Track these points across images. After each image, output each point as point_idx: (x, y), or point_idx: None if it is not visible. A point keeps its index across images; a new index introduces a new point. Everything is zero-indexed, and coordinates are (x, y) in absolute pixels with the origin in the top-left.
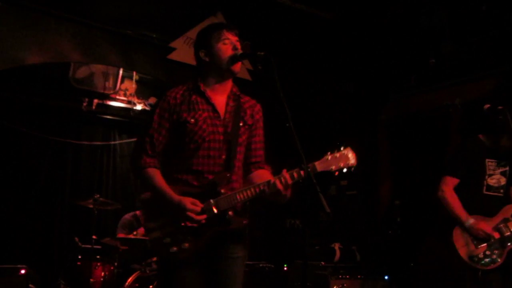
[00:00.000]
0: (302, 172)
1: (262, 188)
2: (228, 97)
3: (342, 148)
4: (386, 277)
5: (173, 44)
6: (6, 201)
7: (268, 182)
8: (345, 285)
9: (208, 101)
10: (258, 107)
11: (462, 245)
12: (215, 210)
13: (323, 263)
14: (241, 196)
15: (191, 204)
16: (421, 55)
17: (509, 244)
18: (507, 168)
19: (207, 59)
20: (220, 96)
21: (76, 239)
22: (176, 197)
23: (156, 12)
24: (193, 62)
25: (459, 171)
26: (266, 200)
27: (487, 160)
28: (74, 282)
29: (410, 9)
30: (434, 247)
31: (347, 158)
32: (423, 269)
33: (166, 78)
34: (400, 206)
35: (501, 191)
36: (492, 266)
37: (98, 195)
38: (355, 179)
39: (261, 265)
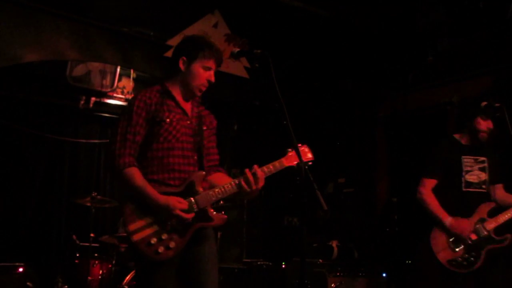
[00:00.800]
0: (271, 167)
1: (235, 184)
2: (192, 104)
3: (300, 145)
4: (384, 275)
5: (170, 42)
6: (3, 199)
7: (244, 176)
8: (342, 282)
9: (178, 105)
10: (213, 117)
11: (440, 249)
12: (196, 208)
13: (321, 260)
14: (217, 193)
15: (178, 203)
16: (419, 53)
17: (486, 245)
18: (486, 164)
19: (182, 68)
20: (186, 102)
21: (74, 237)
22: (162, 197)
23: (153, 10)
24: None
25: (435, 172)
26: (237, 197)
27: (463, 157)
28: (72, 280)
29: (408, 7)
30: (428, 242)
31: (305, 154)
32: (421, 266)
33: (164, 76)
34: (397, 203)
35: (483, 186)
36: (471, 268)
37: (95, 193)
38: (353, 176)
39: (259, 263)
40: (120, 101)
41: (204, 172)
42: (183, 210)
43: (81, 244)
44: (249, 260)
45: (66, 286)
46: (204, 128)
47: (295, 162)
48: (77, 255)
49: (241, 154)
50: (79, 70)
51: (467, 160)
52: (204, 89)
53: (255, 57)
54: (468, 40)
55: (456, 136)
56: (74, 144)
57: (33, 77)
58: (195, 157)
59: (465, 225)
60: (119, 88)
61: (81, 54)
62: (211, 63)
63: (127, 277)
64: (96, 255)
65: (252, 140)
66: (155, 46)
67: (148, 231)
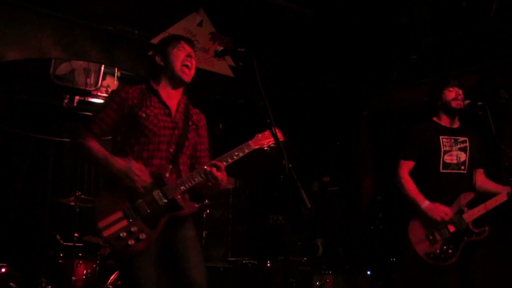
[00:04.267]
0: (235, 154)
1: (199, 174)
2: (180, 100)
3: (267, 128)
4: (368, 272)
5: (155, 41)
6: None
7: (203, 169)
8: (327, 280)
9: (161, 100)
10: (202, 116)
11: (418, 241)
12: (164, 199)
13: (306, 258)
14: (185, 181)
15: (138, 170)
16: (402, 52)
17: (465, 237)
18: (467, 144)
19: (161, 64)
20: (172, 99)
21: (58, 236)
22: (122, 161)
23: (138, 8)
24: None
25: (412, 154)
26: (208, 188)
27: (441, 137)
28: (56, 280)
29: (392, 6)
30: (406, 234)
31: (269, 137)
32: (405, 264)
33: (148, 75)
34: (382, 201)
35: (462, 167)
36: (449, 261)
37: (79, 192)
38: (338, 175)
39: (244, 261)
40: (105, 100)
41: (171, 166)
42: (141, 173)
43: (65, 243)
44: (234, 259)
45: (49, 286)
46: (190, 123)
47: (265, 144)
48: (61, 255)
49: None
50: (63, 68)
51: (446, 140)
52: (187, 70)
53: (239, 55)
54: (451, 39)
55: (435, 118)
56: (58, 143)
57: (17, 75)
58: (171, 150)
59: (441, 209)
60: (103, 86)
61: (65, 53)
62: (182, 45)
63: (112, 277)
64: (80, 254)
65: (237, 138)
66: (140, 44)
67: (118, 226)
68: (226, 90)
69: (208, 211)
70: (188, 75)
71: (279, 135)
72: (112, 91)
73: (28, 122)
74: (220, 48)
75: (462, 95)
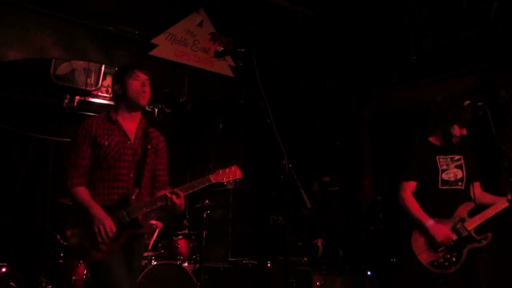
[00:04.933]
0: (194, 185)
1: (161, 200)
2: (138, 126)
3: (230, 166)
4: (368, 272)
5: (154, 41)
6: None
7: (165, 195)
8: (327, 280)
9: (120, 128)
10: (162, 138)
11: (421, 251)
12: (127, 218)
13: (306, 259)
14: (147, 203)
15: (108, 227)
16: (402, 52)
17: (467, 244)
18: (462, 162)
19: (119, 92)
20: (130, 124)
21: (58, 236)
22: (101, 213)
23: (138, 8)
24: (175, 58)
25: (413, 174)
26: (166, 211)
27: (438, 157)
28: (56, 280)
29: (392, 6)
30: (409, 243)
31: (235, 173)
32: (404, 265)
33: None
34: (382, 202)
35: (460, 183)
36: (453, 269)
37: None
38: (338, 175)
39: (244, 261)
40: (105, 99)
41: (137, 189)
42: (107, 234)
43: (65, 243)
44: (234, 259)
45: (50, 286)
46: (149, 147)
47: (225, 179)
48: (61, 254)
49: (226, 152)
50: (63, 68)
51: (442, 160)
52: (144, 96)
53: (239, 55)
54: (451, 39)
55: (430, 139)
56: (59, 143)
57: (17, 75)
58: (131, 175)
59: (443, 231)
60: (104, 86)
61: (65, 52)
62: (137, 73)
63: None
64: None
65: (237, 138)
66: (140, 44)
67: (83, 236)
68: (226, 90)
69: (208, 211)
70: (144, 99)
71: (238, 173)
72: (79, 126)
73: (28, 122)
74: (220, 49)
75: (464, 135)
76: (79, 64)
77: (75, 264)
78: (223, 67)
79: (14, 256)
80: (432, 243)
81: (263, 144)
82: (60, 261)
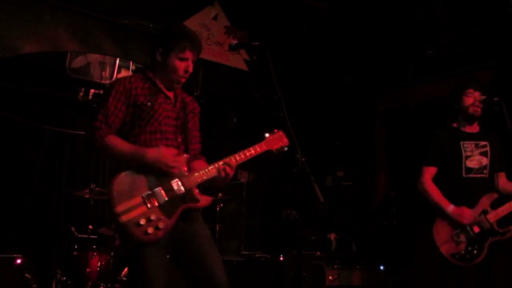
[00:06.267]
0: (245, 154)
1: (215, 170)
2: (175, 90)
3: (275, 131)
4: (381, 267)
5: None
6: (2, 191)
7: (217, 166)
8: (340, 275)
9: (160, 90)
10: (197, 103)
11: (443, 242)
12: (182, 189)
13: (319, 253)
14: (202, 175)
15: (170, 152)
16: (418, 47)
17: (490, 238)
18: (487, 148)
19: (160, 60)
20: (168, 89)
21: (73, 229)
22: (151, 149)
23: (153, 2)
24: None
25: (435, 159)
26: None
27: (462, 142)
28: (70, 271)
29: (408, 0)
30: (429, 241)
31: (282, 139)
32: (420, 259)
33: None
34: (395, 197)
35: (485, 171)
36: (475, 261)
37: (94, 185)
38: (352, 170)
39: (257, 255)
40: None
41: (188, 155)
42: (173, 155)
43: (79, 236)
44: (247, 253)
45: (64, 278)
46: (188, 111)
47: (275, 147)
48: (76, 247)
49: (240, 146)
50: (79, 61)
51: (467, 145)
52: (183, 80)
53: (253, 49)
54: (468, 34)
55: (454, 124)
56: (73, 136)
57: (32, 68)
58: (179, 140)
59: (467, 213)
60: None
61: (80, 46)
62: (187, 54)
63: (125, 269)
64: (94, 247)
65: (251, 132)
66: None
67: (136, 212)
68: (240, 84)
69: (221, 204)
70: (179, 85)
71: (285, 139)
72: (114, 81)
73: (43, 115)
74: (235, 42)
75: (480, 98)
76: (94, 57)
77: (90, 256)
78: (238, 60)
79: (29, 248)
80: (455, 234)
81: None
82: (75, 253)
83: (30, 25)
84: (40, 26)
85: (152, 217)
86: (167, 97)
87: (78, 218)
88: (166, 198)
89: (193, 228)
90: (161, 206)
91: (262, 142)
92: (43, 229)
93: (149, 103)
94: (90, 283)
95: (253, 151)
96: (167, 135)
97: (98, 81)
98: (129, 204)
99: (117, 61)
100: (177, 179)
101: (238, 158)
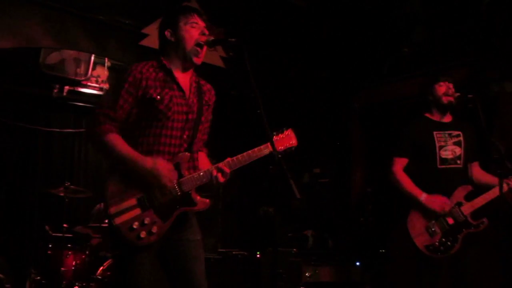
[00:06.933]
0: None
1: (205, 175)
2: (191, 78)
3: (284, 130)
4: (357, 263)
5: (145, 30)
6: None
7: (210, 172)
8: (317, 271)
9: (174, 80)
10: (214, 92)
11: (417, 234)
12: (179, 192)
13: (295, 250)
14: (202, 177)
15: (167, 170)
16: (394, 44)
17: (463, 230)
18: (461, 138)
19: (172, 39)
20: (184, 77)
21: (47, 227)
22: (149, 159)
23: None
24: None
25: (405, 150)
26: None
27: (435, 132)
28: (45, 271)
29: None
30: (403, 234)
31: (291, 139)
32: (395, 254)
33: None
34: (371, 193)
35: (458, 161)
36: (449, 253)
37: (69, 183)
38: (328, 166)
39: (234, 252)
40: (95, 90)
41: (189, 154)
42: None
43: (54, 234)
44: (224, 250)
45: (39, 277)
46: (203, 103)
47: (282, 148)
48: (50, 245)
49: (218, 144)
50: (53, 58)
51: (439, 135)
52: (201, 50)
53: (229, 45)
54: (443, 31)
55: (427, 114)
56: (48, 133)
57: (6, 64)
58: (185, 136)
59: (440, 200)
60: (94, 77)
61: (54, 42)
62: (196, 19)
63: (101, 268)
64: (69, 245)
65: (229, 130)
66: (131, 34)
67: (130, 215)
68: (217, 82)
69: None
70: (200, 58)
71: (294, 140)
72: (127, 70)
73: (17, 112)
74: (211, 38)
75: (453, 89)
76: (69, 53)
77: (64, 255)
78: (214, 57)
79: (2, 247)
80: (429, 226)
81: (254, 135)
82: (49, 252)
83: (3, 21)
84: (14, 22)
85: (146, 221)
86: (180, 89)
87: (52, 216)
88: (162, 201)
89: (185, 232)
90: (156, 209)
91: (268, 143)
92: (16, 227)
93: (158, 97)
94: (65, 282)
95: (257, 153)
96: (173, 132)
97: (73, 77)
98: (123, 206)
99: (92, 58)
100: (174, 181)
101: (236, 161)
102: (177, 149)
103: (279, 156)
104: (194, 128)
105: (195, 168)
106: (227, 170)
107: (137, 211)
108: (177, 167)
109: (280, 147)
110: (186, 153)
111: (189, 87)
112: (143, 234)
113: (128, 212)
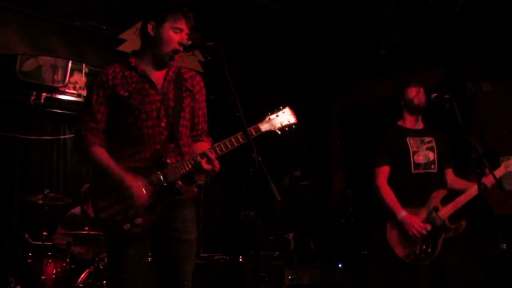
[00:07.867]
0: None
1: (190, 162)
2: (167, 70)
3: (281, 108)
4: (339, 265)
5: (123, 36)
6: None
7: (196, 158)
8: (299, 274)
9: (143, 73)
10: (199, 78)
11: (397, 243)
12: (163, 182)
13: (277, 253)
14: (185, 165)
15: (140, 191)
16: (371, 46)
17: (442, 234)
18: (433, 144)
19: (152, 34)
20: (156, 69)
21: (26, 235)
22: (126, 178)
23: (106, 4)
24: None
25: (385, 158)
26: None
27: (408, 139)
28: (24, 279)
29: (360, 0)
30: (383, 242)
31: (287, 116)
32: (376, 258)
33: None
34: (352, 195)
35: (432, 166)
36: (429, 260)
37: (48, 190)
38: (309, 169)
39: (216, 257)
40: (73, 96)
41: (172, 145)
42: (137, 196)
43: (33, 242)
44: (206, 255)
45: (18, 286)
46: (183, 89)
47: (277, 127)
48: (30, 254)
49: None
50: (29, 64)
51: (412, 141)
52: (177, 56)
53: (207, 49)
54: (419, 33)
55: (399, 122)
56: (25, 140)
57: None
58: (163, 124)
59: (415, 224)
60: (71, 83)
61: (31, 48)
62: (182, 24)
63: (82, 275)
64: (49, 253)
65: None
66: (108, 40)
67: (115, 208)
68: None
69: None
70: (172, 60)
71: (293, 117)
72: (91, 79)
73: None
74: (189, 43)
75: (423, 92)
76: (46, 60)
77: (45, 263)
78: (193, 62)
79: None
80: (406, 236)
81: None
82: (29, 260)
83: None
84: None
85: (130, 213)
86: (149, 81)
87: (31, 224)
88: (147, 193)
89: (179, 230)
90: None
91: (259, 124)
92: None
93: (126, 93)
94: None
95: (240, 139)
96: (148, 122)
97: (50, 84)
98: (109, 200)
99: (70, 64)
100: (159, 172)
101: (223, 148)
102: (157, 138)
103: (259, 159)
104: (174, 115)
105: (179, 157)
106: (211, 155)
107: (121, 205)
108: (160, 157)
109: (277, 125)
110: (169, 144)
111: (164, 76)
112: (126, 226)
113: (113, 205)
